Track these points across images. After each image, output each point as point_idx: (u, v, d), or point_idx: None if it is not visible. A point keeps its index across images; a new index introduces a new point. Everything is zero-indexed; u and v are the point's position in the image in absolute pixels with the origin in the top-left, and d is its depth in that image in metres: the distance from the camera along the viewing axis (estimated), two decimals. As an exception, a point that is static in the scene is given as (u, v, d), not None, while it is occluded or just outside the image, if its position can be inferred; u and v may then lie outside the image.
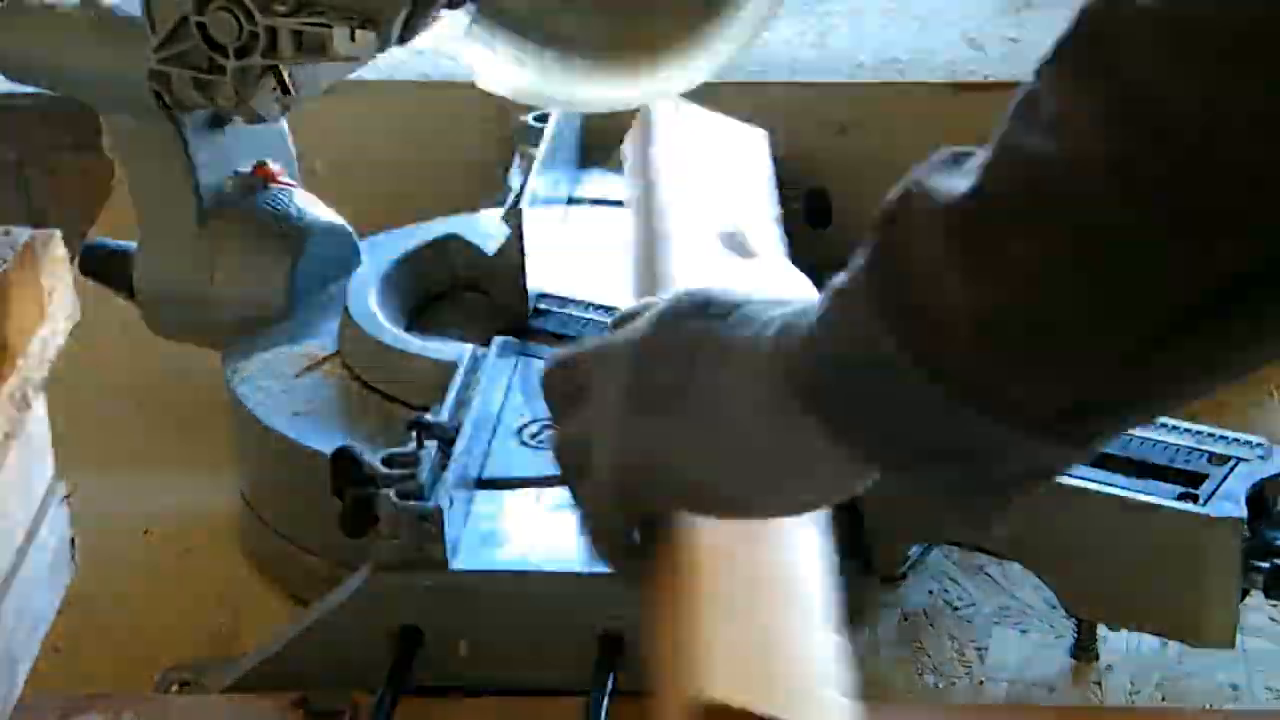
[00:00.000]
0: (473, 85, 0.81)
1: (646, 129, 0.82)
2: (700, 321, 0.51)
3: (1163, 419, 0.74)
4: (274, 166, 0.86)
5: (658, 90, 0.79)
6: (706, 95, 0.89)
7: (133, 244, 0.89)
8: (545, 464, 0.72)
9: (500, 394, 0.83)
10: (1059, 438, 0.42)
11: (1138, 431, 0.73)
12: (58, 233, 0.64)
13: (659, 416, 0.52)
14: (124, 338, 0.96)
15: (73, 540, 0.71)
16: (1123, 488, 0.71)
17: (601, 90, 0.81)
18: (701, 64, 0.76)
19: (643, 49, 0.78)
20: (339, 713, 0.70)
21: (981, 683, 0.77)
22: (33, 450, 0.66)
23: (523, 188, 0.90)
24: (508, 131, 1.01)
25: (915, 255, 0.41)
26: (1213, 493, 0.69)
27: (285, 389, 0.85)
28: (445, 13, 0.76)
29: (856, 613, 0.73)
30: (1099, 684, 0.76)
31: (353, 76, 0.84)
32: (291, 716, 0.71)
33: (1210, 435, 0.74)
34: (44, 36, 0.87)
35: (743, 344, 0.49)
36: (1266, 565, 0.68)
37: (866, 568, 0.78)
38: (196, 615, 0.83)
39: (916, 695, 0.78)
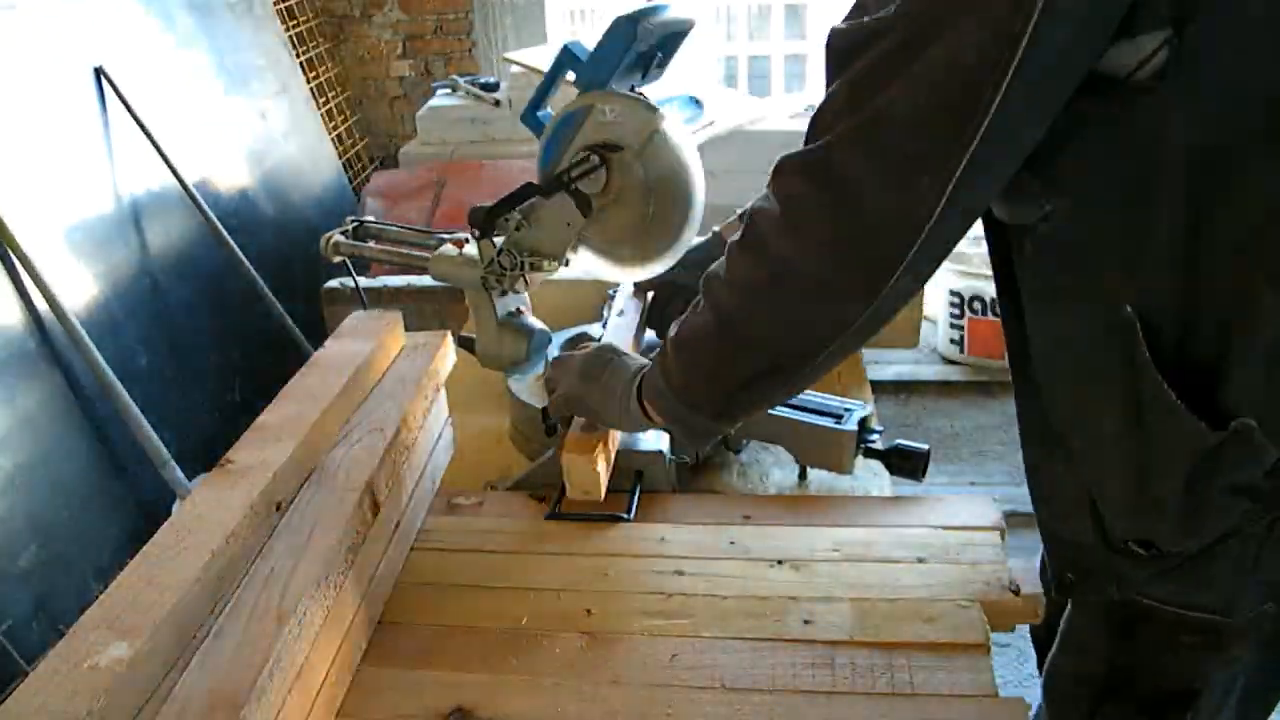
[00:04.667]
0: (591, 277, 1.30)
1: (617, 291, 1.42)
2: (611, 354, 1.03)
3: (827, 396, 1.25)
4: (523, 307, 1.33)
5: (647, 274, 1.25)
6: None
7: (474, 335, 1.34)
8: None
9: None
10: (715, 418, 0.87)
11: (818, 398, 1.25)
12: (448, 332, 1.27)
13: (587, 383, 1.01)
14: (476, 368, 1.36)
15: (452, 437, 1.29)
16: (816, 418, 1.23)
17: (627, 275, 1.28)
18: (662, 266, 1.22)
19: (641, 263, 1.22)
20: (545, 498, 1.20)
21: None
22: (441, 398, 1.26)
23: (606, 307, 1.47)
24: (605, 292, 1.54)
25: (667, 345, 0.87)
26: (843, 420, 1.23)
27: (524, 386, 1.36)
28: (571, 255, 1.20)
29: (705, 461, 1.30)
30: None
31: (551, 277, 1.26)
32: (529, 500, 1.22)
33: (840, 401, 1.26)
34: (447, 269, 1.30)
35: (623, 365, 1.00)
36: (863, 445, 1.23)
37: (723, 444, 1.34)
38: (497, 465, 1.35)
39: (732, 492, 1.27)
